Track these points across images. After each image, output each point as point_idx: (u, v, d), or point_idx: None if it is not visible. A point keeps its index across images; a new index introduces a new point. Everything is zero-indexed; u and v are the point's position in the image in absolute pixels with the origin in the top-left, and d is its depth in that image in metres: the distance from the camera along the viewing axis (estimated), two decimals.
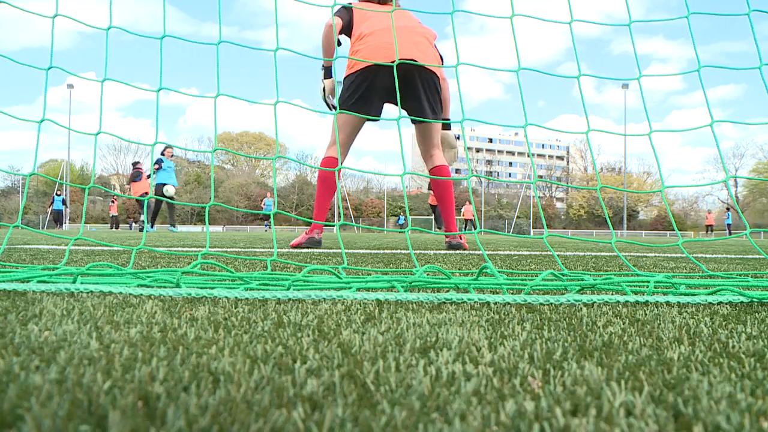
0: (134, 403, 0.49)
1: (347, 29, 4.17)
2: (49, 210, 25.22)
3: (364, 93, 3.91)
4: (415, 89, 3.92)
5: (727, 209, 30.83)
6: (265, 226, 24.35)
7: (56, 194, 24.55)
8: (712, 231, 28.94)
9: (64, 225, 24.89)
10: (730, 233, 28.45)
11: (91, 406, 0.48)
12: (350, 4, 4.22)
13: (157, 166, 13.28)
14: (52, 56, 1.81)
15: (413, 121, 4.01)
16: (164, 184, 13.00)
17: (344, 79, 4.10)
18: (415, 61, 3.58)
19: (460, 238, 4.12)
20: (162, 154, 13.39)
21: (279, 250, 3.72)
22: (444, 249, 4.05)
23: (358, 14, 4.12)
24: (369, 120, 4.03)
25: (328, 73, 4.34)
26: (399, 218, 39.95)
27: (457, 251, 3.73)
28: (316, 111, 1.94)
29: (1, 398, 0.50)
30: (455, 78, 1.87)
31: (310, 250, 3.62)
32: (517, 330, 0.88)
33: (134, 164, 14.78)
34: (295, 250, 3.64)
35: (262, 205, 22.10)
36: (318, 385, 0.56)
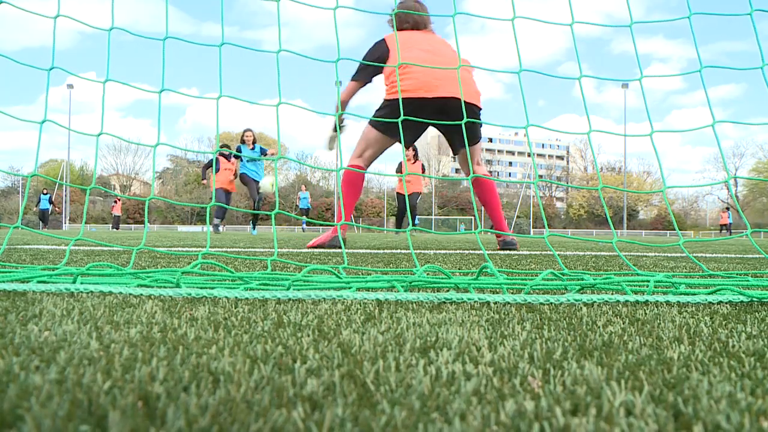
0: (134, 403, 0.49)
1: (382, 62, 4.13)
2: (35, 209, 24.63)
3: (403, 121, 3.87)
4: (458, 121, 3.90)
5: (726, 209, 30.74)
6: (303, 225, 23.01)
7: (43, 193, 23.87)
8: (728, 230, 28.45)
9: (49, 224, 24.45)
10: (730, 233, 28.36)
11: (91, 406, 0.48)
12: (383, 39, 4.20)
13: (228, 164, 10.72)
14: (54, 57, 1.81)
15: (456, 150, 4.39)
16: (253, 180, 10.36)
17: (387, 101, 4.19)
18: (459, 98, 3.79)
19: (512, 238, 4.14)
20: (241, 141, 10.32)
21: (279, 250, 3.72)
22: (445, 249, 4.05)
23: (393, 44, 4.11)
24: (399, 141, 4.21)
25: (336, 125, 4.47)
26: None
27: (511, 250, 3.89)
28: (317, 112, 1.94)
29: (1, 398, 0.50)
30: (457, 77, 1.86)
31: (310, 251, 3.62)
32: (517, 330, 0.88)
33: (221, 151, 13.04)
34: (295, 250, 3.64)
35: (297, 201, 20.59)
36: (318, 385, 0.56)
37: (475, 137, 4.29)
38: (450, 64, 4.00)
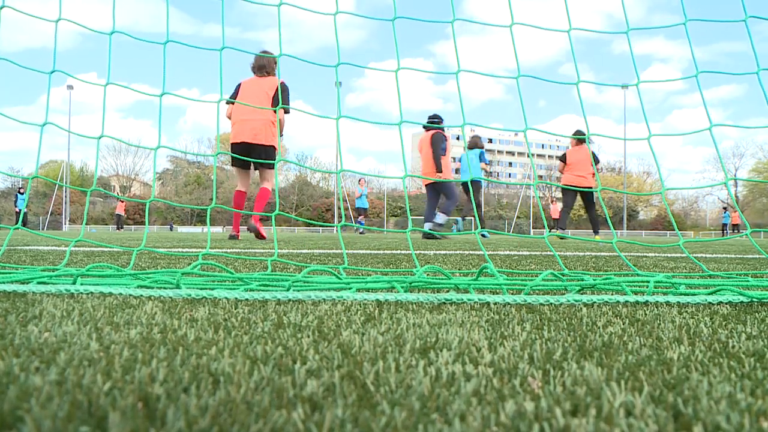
0: (134, 404, 0.49)
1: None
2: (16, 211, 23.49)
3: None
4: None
5: (725, 209, 30.76)
6: (359, 225, 21.97)
7: (19, 192, 22.59)
8: (738, 230, 28.40)
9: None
10: (726, 233, 28.42)
11: (91, 407, 0.48)
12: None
13: None
14: (55, 60, 1.81)
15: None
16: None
17: None
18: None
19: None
20: None
21: (279, 250, 3.72)
22: (445, 249, 4.05)
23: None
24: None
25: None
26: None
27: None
28: (317, 115, 1.95)
29: (2, 399, 0.50)
30: (456, 81, 1.87)
31: (310, 251, 3.63)
32: (517, 330, 0.88)
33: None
34: (296, 251, 3.64)
35: (357, 197, 17.47)
36: (318, 386, 0.56)
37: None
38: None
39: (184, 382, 0.56)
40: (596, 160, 8.62)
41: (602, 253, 3.51)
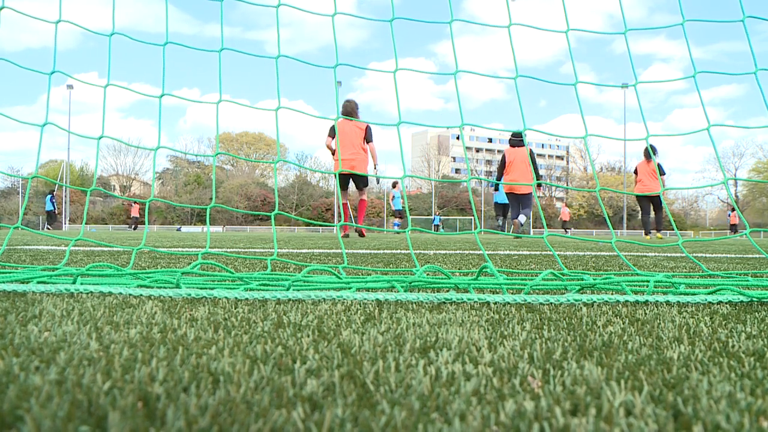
0: (134, 404, 0.49)
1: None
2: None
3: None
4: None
5: (732, 209, 30.93)
6: (395, 225, 19.34)
7: (51, 193, 23.54)
8: (736, 230, 28.85)
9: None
10: (734, 232, 28.67)
11: (90, 406, 0.48)
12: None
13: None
14: (55, 60, 1.81)
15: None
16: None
17: None
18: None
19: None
20: None
21: (279, 250, 3.72)
22: (445, 249, 4.05)
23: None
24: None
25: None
26: (435, 218, 38.57)
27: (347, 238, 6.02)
28: (317, 116, 1.95)
29: (1, 399, 0.50)
30: (455, 83, 1.87)
31: (310, 251, 3.63)
32: (516, 330, 0.88)
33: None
34: (296, 251, 3.64)
35: (391, 199, 17.93)
36: (318, 386, 0.56)
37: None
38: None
39: (183, 382, 0.56)
40: (662, 172, 9.80)
41: (602, 253, 3.51)
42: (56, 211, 26.23)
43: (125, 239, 6.42)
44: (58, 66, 1.81)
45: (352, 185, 8.01)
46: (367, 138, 7.66)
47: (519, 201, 8.98)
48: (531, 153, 8.97)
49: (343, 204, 8.04)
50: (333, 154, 7.66)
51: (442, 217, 43.63)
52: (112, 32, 1.86)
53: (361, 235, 7.56)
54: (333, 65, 1.92)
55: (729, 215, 30.05)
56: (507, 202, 13.64)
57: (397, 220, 19.27)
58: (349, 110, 7.71)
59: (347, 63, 2.05)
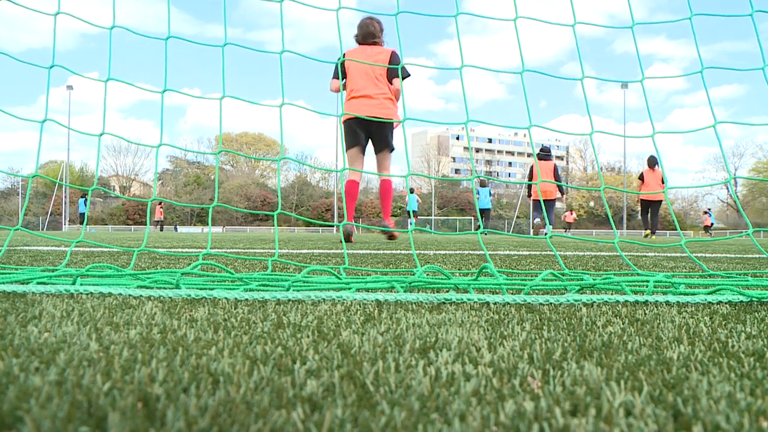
0: (134, 405, 0.49)
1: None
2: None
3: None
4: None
5: (707, 211, 31.67)
6: (411, 224, 20.59)
7: (83, 197, 23.70)
8: (709, 231, 29.63)
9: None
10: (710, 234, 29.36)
11: (90, 407, 0.48)
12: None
13: None
14: (55, 55, 1.80)
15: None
16: None
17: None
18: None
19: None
20: None
21: (279, 251, 3.72)
22: (445, 249, 4.05)
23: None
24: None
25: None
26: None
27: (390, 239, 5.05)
28: (319, 113, 1.95)
29: (1, 399, 0.50)
30: (459, 79, 1.87)
31: (310, 251, 3.63)
32: (516, 330, 0.88)
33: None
34: (295, 251, 3.64)
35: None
36: (318, 386, 0.56)
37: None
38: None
39: (183, 382, 0.56)
40: (664, 180, 10.72)
41: (602, 253, 3.51)
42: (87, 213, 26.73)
43: (125, 240, 6.42)
44: (57, 64, 1.81)
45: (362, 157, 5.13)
46: (393, 71, 4.93)
47: (544, 206, 9.59)
48: (555, 167, 9.88)
49: (352, 183, 5.06)
50: (347, 94, 5.01)
51: (430, 218, 43.60)
52: (113, 25, 1.85)
53: (392, 237, 5.22)
54: (337, 60, 1.92)
55: (704, 216, 30.58)
56: (489, 207, 15.11)
57: (412, 220, 20.32)
58: (371, 31, 4.99)
59: (352, 59, 2.05)
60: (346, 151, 5.03)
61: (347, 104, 4.99)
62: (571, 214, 31.95)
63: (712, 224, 30.11)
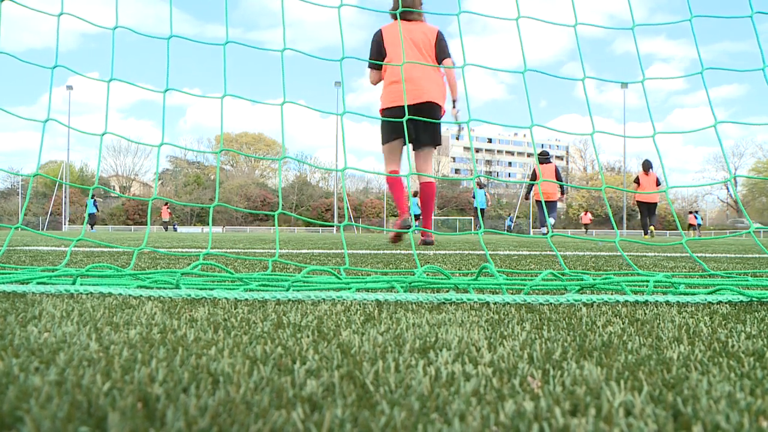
0: (134, 405, 0.49)
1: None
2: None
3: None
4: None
5: (693, 212, 31.80)
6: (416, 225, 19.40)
7: (93, 197, 24.15)
8: (695, 230, 29.78)
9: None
10: (698, 234, 29.56)
11: (90, 407, 0.48)
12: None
13: None
14: (57, 55, 1.80)
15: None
16: None
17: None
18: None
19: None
20: None
21: (280, 251, 3.72)
22: (445, 249, 4.05)
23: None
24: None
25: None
26: (509, 218, 36.78)
27: (428, 245, 4.52)
28: (321, 111, 1.95)
29: (1, 399, 0.50)
30: (462, 78, 1.87)
31: (309, 251, 3.63)
32: (516, 330, 0.88)
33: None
34: (295, 251, 3.64)
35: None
36: (317, 386, 0.56)
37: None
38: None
39: (183, 382, 0.56)
40: (658, 183, 11.46)
41: (602, 253, 3.52)
42: (97, 213, 27.20)
43: (125, 240, 6.42)
44: (60, 64, 1.81)
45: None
46: (441, 51, 4.28)
47: (547, 206, 10.24)
48: (556, 169, 10.28)
49: (394, 181, 4.51)
50: (388, 83, 4.37)
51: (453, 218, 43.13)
52: (116, 26, 1.85)
53: (429, 242, 4.67)
54: (339, 58, 1.92)
55: (690, 215, 30.75)
56: (484, 207, 15.57)
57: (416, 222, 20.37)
58: (410, 1, 4.20)
59: (353, 56, 2.05)
60: (384, 144, 4.53)
61: (387, 90, 4.41)
62: (587, 214, 32.76)
63: (699, 225, 30.23)
